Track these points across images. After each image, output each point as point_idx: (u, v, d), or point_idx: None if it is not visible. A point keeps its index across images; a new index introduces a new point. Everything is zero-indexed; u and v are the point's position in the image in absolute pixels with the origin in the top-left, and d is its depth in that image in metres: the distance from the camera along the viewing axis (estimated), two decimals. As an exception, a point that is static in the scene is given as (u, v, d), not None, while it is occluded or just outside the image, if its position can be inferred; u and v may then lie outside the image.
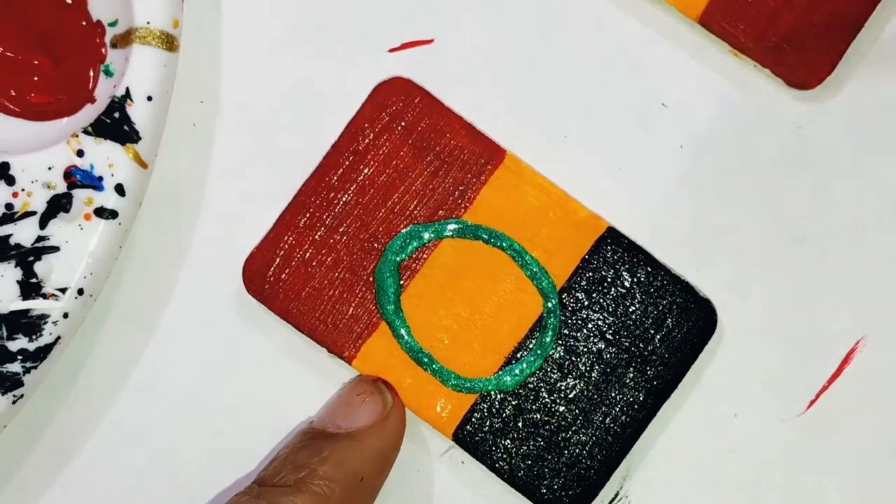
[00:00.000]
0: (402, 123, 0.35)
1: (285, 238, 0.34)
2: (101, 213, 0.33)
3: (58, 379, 0.35)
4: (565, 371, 0.34)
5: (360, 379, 0.34)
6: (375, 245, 0.34)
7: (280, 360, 0.35)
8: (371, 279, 0.34)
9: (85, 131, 0.33)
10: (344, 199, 0.35)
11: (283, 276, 0.34)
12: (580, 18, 0.35)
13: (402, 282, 0.34)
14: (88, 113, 0.34)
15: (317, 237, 0.34)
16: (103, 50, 0.34)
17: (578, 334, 0.34)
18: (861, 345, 0.34)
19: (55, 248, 0.32)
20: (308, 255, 0.34)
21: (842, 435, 0.34)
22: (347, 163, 0.35)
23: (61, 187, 0.33)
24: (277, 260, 0.34)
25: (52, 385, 0.35)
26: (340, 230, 0.34)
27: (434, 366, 0.34)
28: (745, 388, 0.34)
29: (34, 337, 0.32)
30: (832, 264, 0.35)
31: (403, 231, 0.34)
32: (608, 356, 0.34)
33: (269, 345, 0.35)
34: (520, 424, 0.34)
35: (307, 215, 0.34)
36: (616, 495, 0.35)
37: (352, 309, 0.34)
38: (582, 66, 0.35)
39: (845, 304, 0.34)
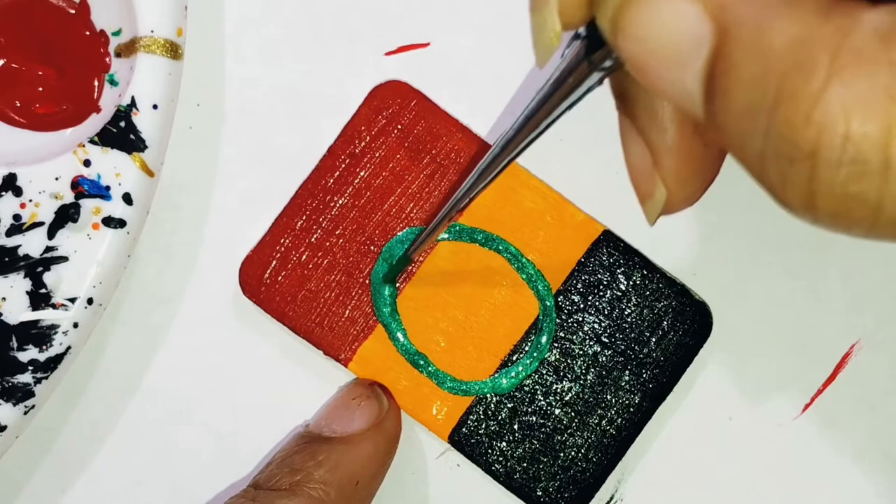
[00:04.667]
0: (399, 126, 0.35)
1: (282, 241, 0.34)
2: (109, 222, 0.32)
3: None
4: (561, 374, 0.34)
5: (356, 382, 0.34)
6: (371, 248, 0.34)
7: (276, 362, 0.35)
8: (367, 282, 0.34)
9: (91, 141, 0.33)
10: (340, 201, 0.35)
11: (280, 278, 0.34)
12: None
13: (398, 285, 0.34)
14: (94, 122, 0.34)
15: (313, 240, 0.34)
16: (107, 59, 0.34)
17: (574, 337, 0.34)
18: (856, 348, 0.34)
19: (64, 258, 0.32)
20: (304, 257, 0.34)
21: (837, 438, 0.34)
22: (344, 166, 0.34)
23: (69, 197, 0.33)
24: (274, 262, 0.34)
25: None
26: (337, 233, 0.34)
27: (430, 368, 0.34)
28: (740, 392, 0.34)
29: (44, 347, 0.32)
30: (828, 267, 0.35)
31: (400, 234, 0.34)
32: (604, 359, 0.34)
33: (265, 347, 0.35)
34: (515, 427, 0.34)
35: (304, 218, 0.34)
36: (611, 498, 0.35)
37: (348, 312, 0.34)
38: (578, 69, 0.35)
39: (841, 307, 0.34)
